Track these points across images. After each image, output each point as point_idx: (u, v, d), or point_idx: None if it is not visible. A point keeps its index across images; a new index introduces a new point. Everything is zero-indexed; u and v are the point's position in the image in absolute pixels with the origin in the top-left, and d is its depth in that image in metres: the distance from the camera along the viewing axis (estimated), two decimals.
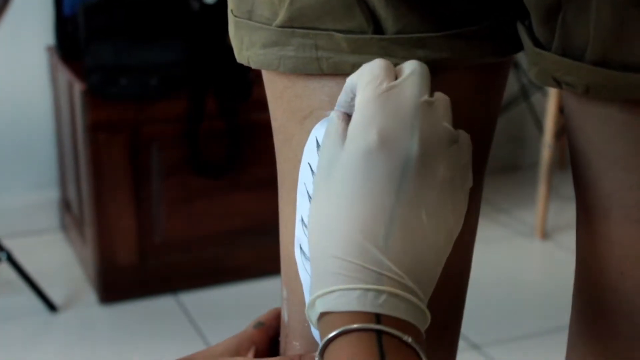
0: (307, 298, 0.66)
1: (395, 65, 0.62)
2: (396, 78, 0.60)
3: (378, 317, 0.54)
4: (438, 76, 0.63)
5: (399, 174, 0.56)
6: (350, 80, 0.61)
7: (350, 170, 0.57)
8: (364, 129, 0.57)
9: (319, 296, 0.56)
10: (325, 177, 0.59)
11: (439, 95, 0.60)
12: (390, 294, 0.55)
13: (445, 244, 0.59)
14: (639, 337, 0.65)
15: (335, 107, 0.62)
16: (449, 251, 0.59)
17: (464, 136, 0.61)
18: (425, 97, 0.59)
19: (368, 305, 0.54)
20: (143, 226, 2.19)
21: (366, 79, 0.59)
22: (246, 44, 0.68)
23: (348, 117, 0.60)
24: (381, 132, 0.56)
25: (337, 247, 0.56)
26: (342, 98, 0.61)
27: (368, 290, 0.54)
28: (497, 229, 2.65)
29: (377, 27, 0.62)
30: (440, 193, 0.58)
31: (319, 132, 0.66)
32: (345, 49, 0.63)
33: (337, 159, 0.58)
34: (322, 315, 0.56)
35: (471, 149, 0.61)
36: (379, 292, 0.54)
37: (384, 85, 0.58)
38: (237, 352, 0.75)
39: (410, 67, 0.60)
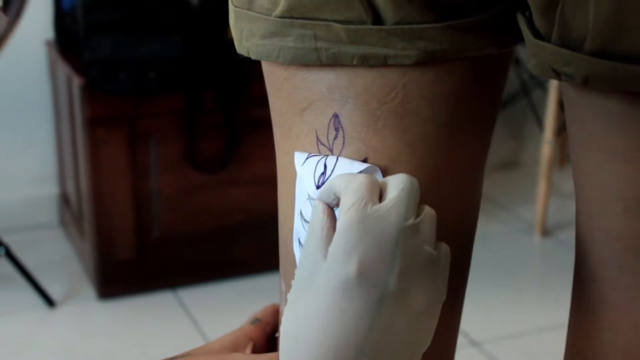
0: None
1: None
2: (381, 195, 0.59)
3: None
4: (437, 68, 0.63)
5: (374, 307, 0.57)
6: (331, 185, 0.60)
7: (326, 297, 0.57)
8: (344, 256, 0.57)
9: None
10: (304, 285, 0.59)
11: (425, 212, 0.60)
12: None
13: (414, 359, 0.60)
14: (638, 332, 0.65)
15: (318, 196, 0.61)
16: None
17: (444, 251, 0.61)
18: (411, 220, 0.58)
19: None
20: (141, 221, 2.19)
21: (351, 199, 0.58)
22: (246, 35, 0.68)
23: (332, 210, 0.60)
24: (361, 263, 0.56)
25: None
26: (324, 194, 0.61)
27: None
28: (496, 225, 2.65)
29: (376, 18, 0.62)
30: (414, 321, 0.59)
31: (317, 125, 0.66)
32: (345, 40, 0.63)
33: (317, 272, 0.58)
34: None
35: (449, 263, 0.61)
36: None
37: (368, 208, 0.57)
38: (235, 348, 0.76)
39: (397, 185, 0.59)
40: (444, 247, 0.61)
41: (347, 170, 0.64)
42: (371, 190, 0.58)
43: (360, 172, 0.64)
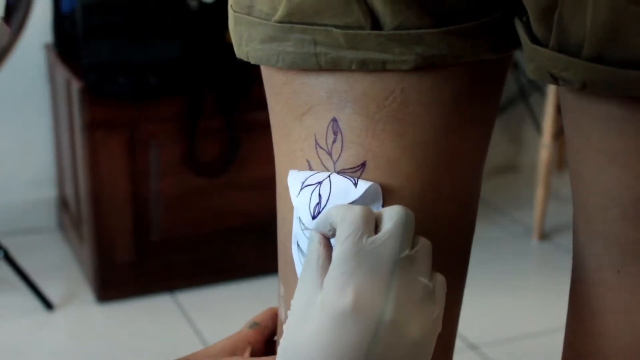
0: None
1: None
2: (376, 226, 0.60)
3: None
4: (435, 73, 0.63)
5: (369, 338, 0.57)
6: (328, 215, 0.61)
7: (321, 327, 0.57)
8: (340, 287, 0.57)
9: None
10: (300, 315, 0.59)
11: (421, 244, 0.60)
12: None
13: None
14: (636, 336, 0.65)
15: (314, 227, 0.62)
16: None
17: (439, 282, 0.61)
18: (406, 252, 0.59)
19: None
20: (140, 225, 2.19)
21: (346, 231, 0.58)
22: (245, 40, 0.68)
23: (328, 241, 0.61)
24: (356, 294, 0.57)
25: None
26: (320, 225, 0.61)
27: None
28: (495, 229, 2.65)
29: (375, 23, 0.62)
30: (409, 350, 0.59)
31: (316, 129, 0.66)
32: (344, 45, 0.63)
33: (313, 303, 0.58)
34: None
35: (445, 294, 0.61)
36: None
37: (364, 240, 0.58)
38: (234, 352, 0.76)
39: (392, 217, 0.59)
40: (440, 278, 0.61)
41: (341, 199, 0.64)
42: (367, 221, 0.59)
43: (356, 200, 0.64)
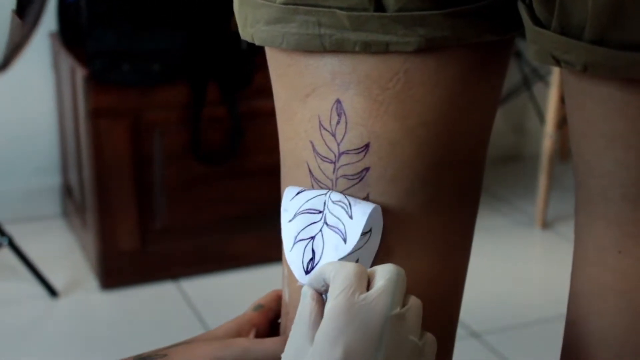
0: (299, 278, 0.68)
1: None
2: (369, 283, 0.60)
3: None
4: (438, 54, 0.64)
5: None
6: (322, 271, 0.61)
7: None
8: (331, 342, 0.58)
9: None
10: None
11: (411, 303, 0.61)
12: None
13: None
14: (636, 316, 0.66)
15: (308, 282, 0.62)
16: None
17: (430, 341, 0.61)
18: (397, 309, 0.59)
19: None
20: (144, 212, 2.19)
21: (339, 287, 0.59)
22: (250, 21, 0.69)
23: (321, 296, 0.61)
24: (346, 350, 0.57)
25: None
26: (314, 281, 0.62)
27: None
28: (497, 218, 2.65)
29: (379, 5, 0.63)
30: None
31: (320, 110, 0.67)
32: (348, 26, 0.63)
33: (303, 357, 0.59)
34: None
35: (434, 353, 0.62)
36: None
37: (356, 296, 0.59)
38: (238, 334, 0.76)
39: (384, 275, 0.60)
40: (430, 337, 0.62)
41: (332, 255, 0.65)
42: (359, 278, 0.60)
43: (350, 252, 0.65)
